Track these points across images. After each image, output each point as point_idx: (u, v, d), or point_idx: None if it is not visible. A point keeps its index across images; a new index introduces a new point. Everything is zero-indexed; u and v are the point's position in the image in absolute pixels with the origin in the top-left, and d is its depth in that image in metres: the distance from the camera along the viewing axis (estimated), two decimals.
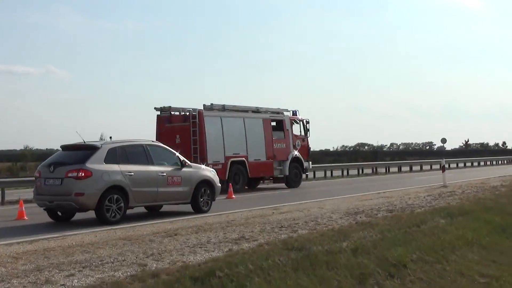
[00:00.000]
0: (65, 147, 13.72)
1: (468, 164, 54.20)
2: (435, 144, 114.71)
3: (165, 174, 13.72)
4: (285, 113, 25.74)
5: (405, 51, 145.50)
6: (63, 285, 6.52)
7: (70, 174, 12.31)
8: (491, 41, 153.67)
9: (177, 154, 14.71)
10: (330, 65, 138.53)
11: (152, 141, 14.25)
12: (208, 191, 14.76)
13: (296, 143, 25.48)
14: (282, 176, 24.78)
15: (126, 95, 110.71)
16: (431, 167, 46.14)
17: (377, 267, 7.74)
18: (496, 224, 12.19)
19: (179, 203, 14.46)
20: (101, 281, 6.62)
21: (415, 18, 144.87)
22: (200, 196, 14.49)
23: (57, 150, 15.53)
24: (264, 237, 9.74)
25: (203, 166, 15.28)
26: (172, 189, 13.89)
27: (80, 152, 12.99)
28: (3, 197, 19.80)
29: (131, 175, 12.92)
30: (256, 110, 24.46)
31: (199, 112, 21.79)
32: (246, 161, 22.97)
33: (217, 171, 20.69)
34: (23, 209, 14.05)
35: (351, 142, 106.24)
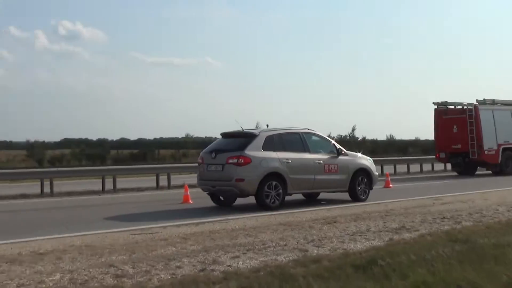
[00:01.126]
0: (225, 135, 14.23)
1: None
2: None
3: (321, 162, 13.77)
4: None
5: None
6: (229, 266, 6.78)
7: (230, 161, 12.75)
8: None
9: (333, 141, 14.66)
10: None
11: (308, 129, 14.29)
12: (366, 180, 14.56)
13: None
14: None
15: (259, 83, 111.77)
16: None
17: None
18: None
19: (336, 191, 14.45)
20: (264, 264, 6.80)
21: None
22: (358, 185, 14.35)
23: (215, 138, 16.20)
24: (425, 228, 9.45)
25: (359, 154, 15.02)
26: (329, 177, 13.90)
27: (239, 140, 13.40)
28: (169, 182, 21.11)
29: (288, 162, 13.12)
30: None
31: (475, 106, 25.30)
32: None
33: (491, 156, 25.29)
34: (188, 193, 14.86)
35: None
